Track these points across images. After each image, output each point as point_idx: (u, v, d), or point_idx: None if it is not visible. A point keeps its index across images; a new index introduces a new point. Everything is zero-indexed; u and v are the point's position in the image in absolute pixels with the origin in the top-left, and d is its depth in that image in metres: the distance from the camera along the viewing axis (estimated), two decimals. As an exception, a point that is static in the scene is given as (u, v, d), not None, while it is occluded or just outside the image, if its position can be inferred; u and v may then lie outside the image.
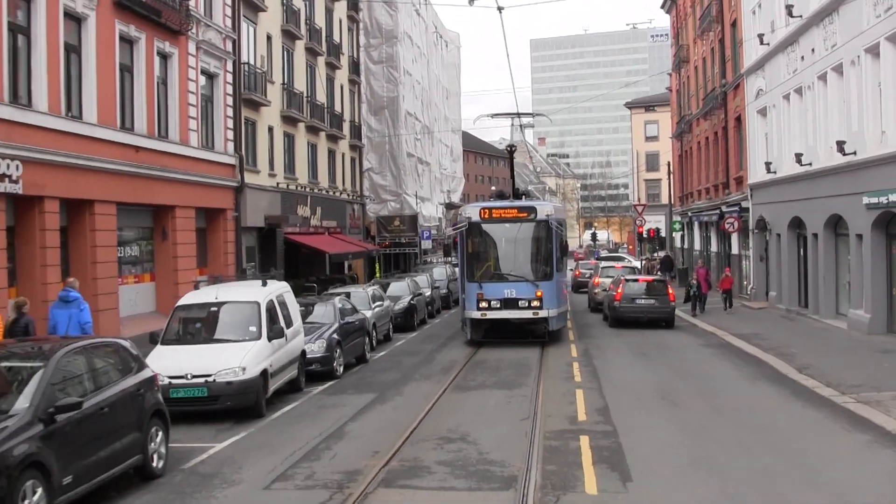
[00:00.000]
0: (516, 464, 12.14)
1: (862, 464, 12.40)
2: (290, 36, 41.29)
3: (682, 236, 61.23)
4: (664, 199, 71.22)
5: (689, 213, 56.45)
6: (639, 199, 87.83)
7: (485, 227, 27.44)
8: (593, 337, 29.06)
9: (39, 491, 9.39)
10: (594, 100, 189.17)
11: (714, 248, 49.19)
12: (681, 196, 61.16)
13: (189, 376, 15.31)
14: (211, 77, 32.58)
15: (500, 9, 29.58)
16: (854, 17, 25.51)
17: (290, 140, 41.55)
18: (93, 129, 24.32)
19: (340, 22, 51.12)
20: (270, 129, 38.78)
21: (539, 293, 26.05)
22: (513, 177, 35.70)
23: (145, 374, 12.30)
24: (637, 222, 63.75)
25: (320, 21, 46.66)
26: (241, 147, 34.57)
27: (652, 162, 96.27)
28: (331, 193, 47.39)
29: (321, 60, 46.32)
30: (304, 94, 43.23)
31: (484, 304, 26.35)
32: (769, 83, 35.25)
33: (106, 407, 10.92)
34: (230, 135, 33.76)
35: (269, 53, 38.85)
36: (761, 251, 38.23)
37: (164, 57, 28.85)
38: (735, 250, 43.86)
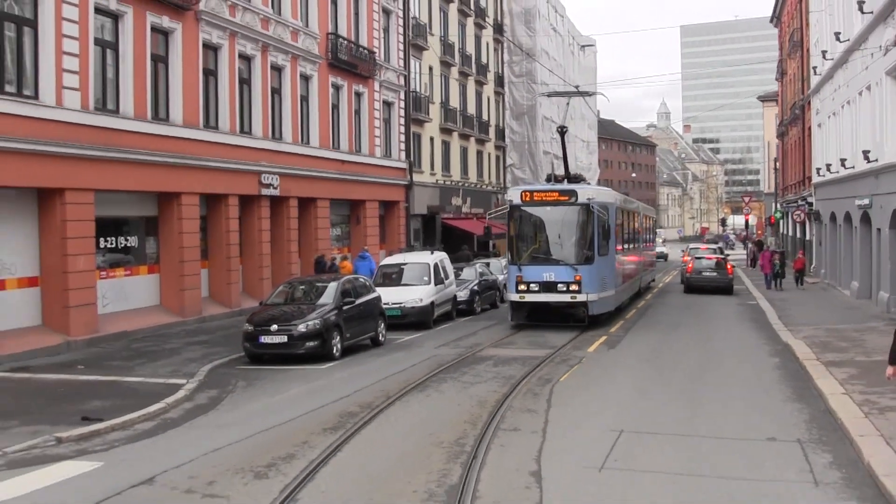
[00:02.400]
0: (561, 345, 23.56)
1: (748, 350, 23.33)
2: (446, 65, 53.26)
3: (782, 223, 70.89)
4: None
5: (785, 204, 66.22)
6: (768, 188, 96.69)
7: (526, 209, 27.55)
8: (665, 298, 39.87)
9: (338, 338, 21.40)
10: (740, 86, 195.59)
11: (798, 234, 59.12)
12: (782, 188, 70.78)
13: (390, 303, 27.03)
14: (389, 105, 44.69)
15: (574, 94, 40.08)
16: (855, 69, 35.41)
17: (446, 146, 53.57)
18: (316, 151, 36.64)
19: (487, 45, 62.82)
20: (431, 139, 50.89)
21: (577, 277, 26.26)
22: (565, 158, 33.51)
23: (376, 294, 24.39)
24: (744, 211, 73.53)
25: (470, 47, 58.42)
26: (410, 154, 46.68)
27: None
28: (478, 186, 59.21)
29: (471, 80, 58.13)
30: (458, 109, 55.17)
31: (523, 287, 26.80)
32: (821, 105, 45.26)
33: (361, 305, 22.97)
34: (402, 146, 45.86)
35: (431, 80, 50.86)
36: (820, 237, 48.21)
37: (358, 95, 41.05)
38: (808, 237, 53.79)
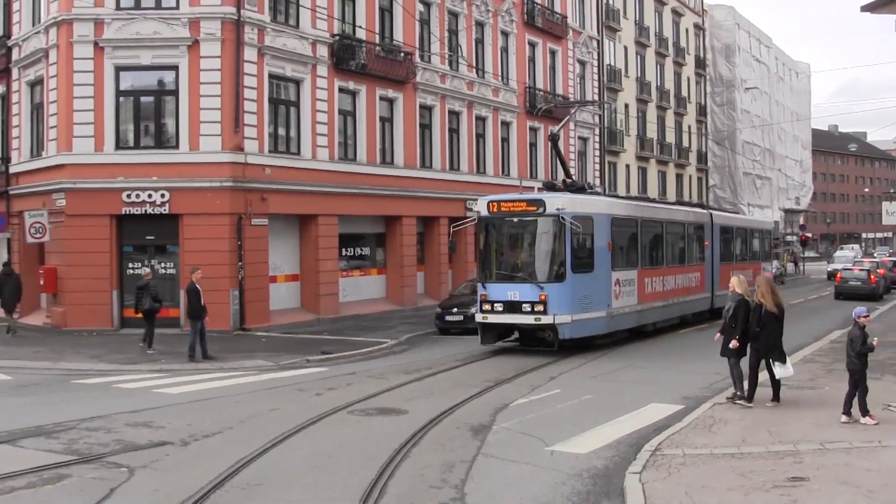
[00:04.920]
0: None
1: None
2: (642, 101, 61.55)
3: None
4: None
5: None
6: None
7: (493, 221, 24.97)
8: (810, 303, 46.52)
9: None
10: None
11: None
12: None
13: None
14: (584, 140, 53.55)
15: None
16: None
17: (642, 171, 61.80)
18: (514, 181, 45.86)
19: (688, 80, 70.45)
20: (627, 166, 59.32)
21: (543, 296, 23.48)
22: (564, 165, 30.53)
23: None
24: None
25: (669, 84, 66.33)
26: (604, 180, 55.33)
27: None
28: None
29: (669, 112, 66.05)
30: (654, 139, 63.29)
31: (487, 307, 24.42)
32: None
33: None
34: (597, 173, 54.59)
35: (626, 115, 59.33)
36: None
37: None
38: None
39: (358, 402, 16.44)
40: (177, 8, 29.13)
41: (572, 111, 37.53)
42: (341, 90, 34.39)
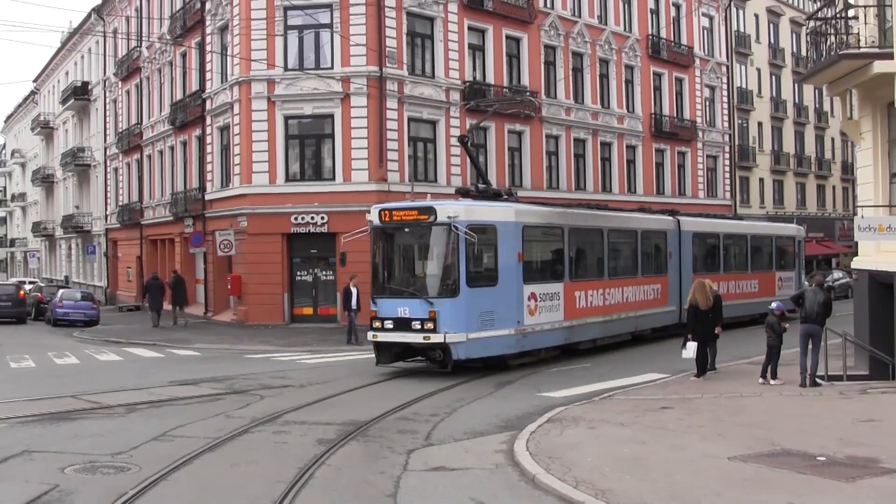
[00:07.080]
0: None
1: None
2: (777, 119, 65.79)
3: None
4: None
5: None
6: None
7: (384, 231, 23.05)
8: None
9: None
10: None
11: None
12: None
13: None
14: (713, 157, 58.46)
15: None
16: None
17: (778, 184, 66.02)
18: (641, 197, 51.42)
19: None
20: (761, 180, 63.75)
21: (432, 313, 21.52)
22: (479, 170, 30.41)
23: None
24: None
25: (808, 100, 70.13)
26: (734, 193, 60.05)
27: None
28: (819, 214, 70.61)
29: (809, 126, 69.87)
30: (792, 152, 67.33)
31: (377, 324, 22.37)
32: None
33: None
34: (727, 187, 59.37)
35: (759, 133, 63.76)
36: None
37: (682, 154, 55.34)
38: None
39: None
40: (331, 68, 36.67)
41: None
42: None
